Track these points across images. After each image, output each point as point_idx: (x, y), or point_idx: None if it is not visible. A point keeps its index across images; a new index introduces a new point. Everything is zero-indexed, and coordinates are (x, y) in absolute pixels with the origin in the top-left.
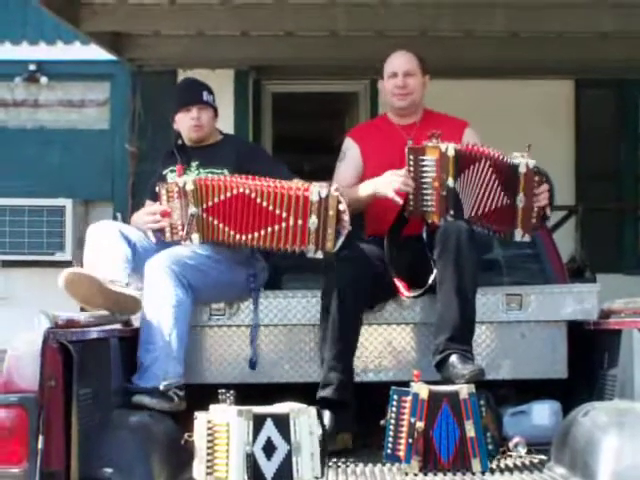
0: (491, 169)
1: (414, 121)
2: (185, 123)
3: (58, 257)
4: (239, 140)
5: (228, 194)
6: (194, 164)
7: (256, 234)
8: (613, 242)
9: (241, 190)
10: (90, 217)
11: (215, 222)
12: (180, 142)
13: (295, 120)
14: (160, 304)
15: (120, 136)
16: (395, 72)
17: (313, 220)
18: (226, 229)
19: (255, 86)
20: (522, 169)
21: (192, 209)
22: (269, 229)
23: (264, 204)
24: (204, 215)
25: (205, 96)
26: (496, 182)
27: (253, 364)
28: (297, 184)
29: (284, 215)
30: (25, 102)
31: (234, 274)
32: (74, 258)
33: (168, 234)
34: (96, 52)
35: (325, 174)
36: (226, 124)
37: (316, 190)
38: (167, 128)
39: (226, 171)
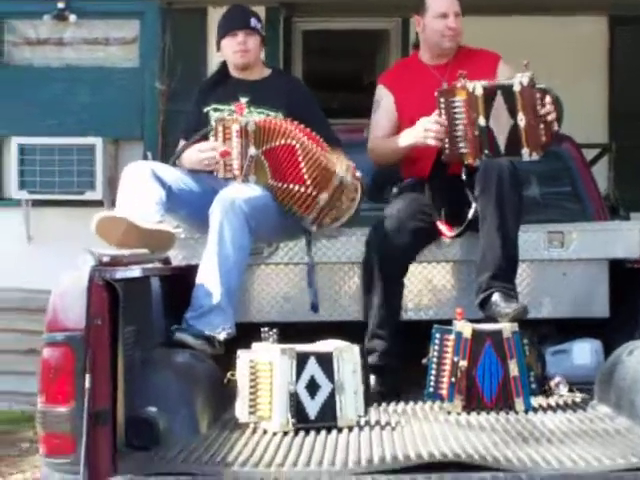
0: (502, 97)
1: (447, 60)
2: (231, 48)
3: (88, 196)
4: (291, 80)
5: (282, 141)
6: (243, 100)
7: (281, 184)
8: None
9: (293, 142)
10: (120, 156)
11: (266, 165)
12: (220, 74)
13: (325, 58)
14: (229, 247)
15: (150, 74)
16: (445, 12)
17: (324, 196)
18: (269, 174)
19: (285, 23)
20: (516, 87)
21: (252, 150)
22: (291, 186)
23: (302, 163)
24: (262, 157)
25: (253, 22)
26: (505, 109)
27: (315, 306)
28: (336, 159)
29: (308, 181)
30: (53, 40)
31: (288, 217)
32: (104, 197)
33: (222, 171)
34: None
35: (354, 112)
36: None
37: (340, 176)
38: (197, 66)
39: (280, 114)
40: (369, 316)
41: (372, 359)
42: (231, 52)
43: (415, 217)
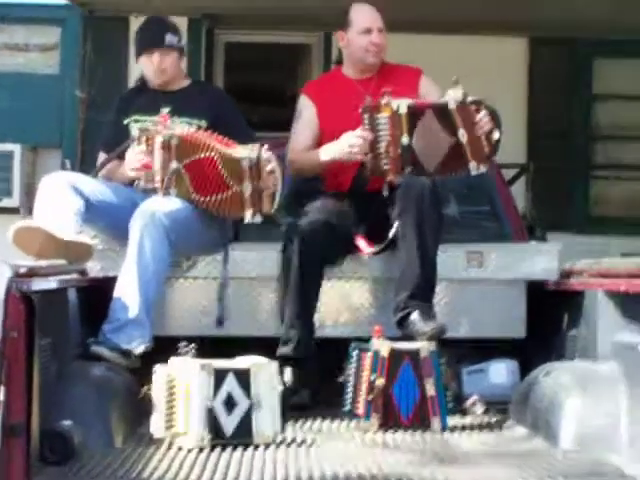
0: (434, 117)
1: (371, 75)
2: (148, 67)
3: (5, 203)
4: (210, 88)
5: (203, 154)
6: (165, 110)
7: (208, 198)
8: (564, 201)
9: (212, 154)
10: (38, 163)
11: (187, 179)
12: (140, 84)
13: (247, 70)
14: (148, 259)
15: (70, 82)
16: (369, 28)
17: (247, 185)
18: (190, 187)
19: (208, 35)
20: (452, 105)
21: (174, 164)
22: (218, 196)
23: (222, 170)
24: (183, 171)
25: (168, 38)
26: (439, 128)
27: (221, 321)
28: (240, 149)
29: (229, 183)
30: None
31: (208, 230)
32: (21, 205)
33: (143, 181)
34: None
35: (275, 126)
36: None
37: (246, 156)
38: (118, 75)
39: (204, 122)
40: (285, 307)
41: (287, 350)
42: (149, 71)
43: (332, 229)
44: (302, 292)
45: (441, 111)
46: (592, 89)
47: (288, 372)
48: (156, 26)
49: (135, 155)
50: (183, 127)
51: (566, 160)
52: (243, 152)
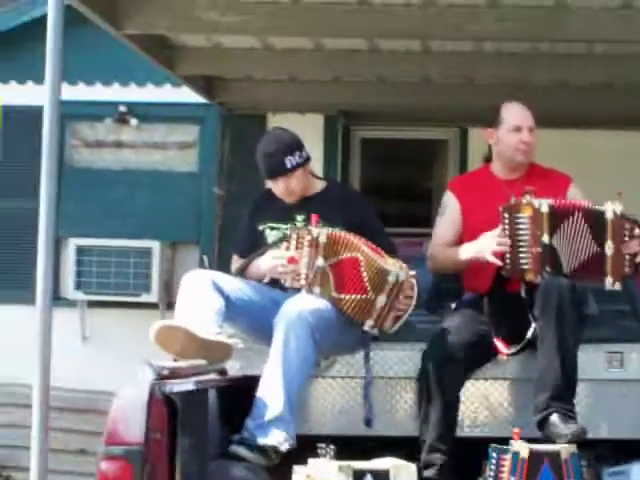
0: (583, 220)
1: (520, 175)
2: (276, 190)
3: (144, 299)
4: (346, 191)
5: (348, 254)
6: (300, 217)
7: (343, 296)
8: None
9: (357, 255)
10: (177, 259)
11: (331, 278)
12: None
13: (383, 166)
14: (293, 357)
15: (208, 179)
16: (519, 126)
17: (382, 298)
18: (333, 287)
19: (344, 131)
20: (609, 215)
21: (320, 261)
22: (353, 296)
23: (364, 273)
24: (328, 269)
25: (289, 163)
26: (588, 232)
27: (369, 421)
28: (391, 261)
29: (368, 287)
30: (114, 143)
31: (351, 330)
32: (160, 300)
33: (289, 280)
34: (186, 94)
35: (410, 221)
36: (315, 168)
37: (395, 272)
38: (255, 172)
39: (338, 229)
40: (426, 430)
41: (429, 473)
42: (277, 192)
43: (473, 333)
44: (442, 415)
45: (595, 217)
46: None
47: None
48: (276, 153)
49: (282, 253)
50: (330, 229)
51: None
52: (393, 266)
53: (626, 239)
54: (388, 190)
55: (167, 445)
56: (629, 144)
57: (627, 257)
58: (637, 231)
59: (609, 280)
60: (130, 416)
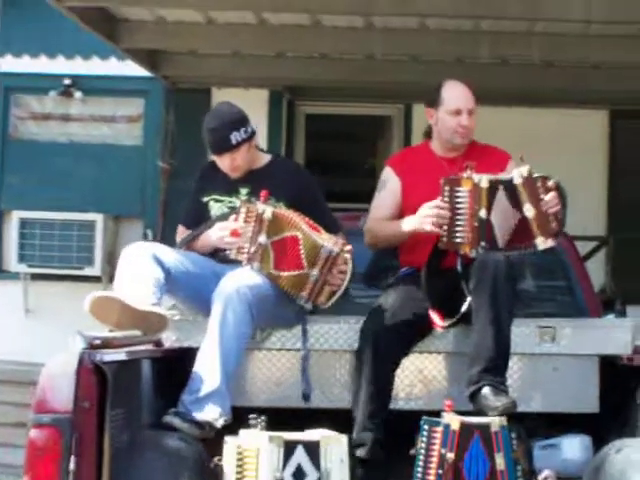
0: (503, 193)
1: (459, 154)
2: (221, 165)
3: (87, 272)
4: (291, 167)
5: (289, 233)
6: (244, 191)
7: (281, 273)
8: None
9: (297, 233)
10: (120, 233)
11: (271, 255)
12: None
13: (327, 141)
14: (231, 332)
15: (153, 152)
16: (460, 109)
17: (315, 272)
18: (272, 264)
19: (289, 106)
20: (517, 180)
21: (262, 238)
22: (290, 273)
23: (302, 251)
24: (269, 246)
25: (234, 138)
26: (509, 203)
27: (307, 396)
28: (325, 237)
29: (304, 263)
30: (58, 115)
31: (288, 305)
32: (103, 273)
33: (234, 252)
34: (131, 68)
35: (354, 197)
36: (260, 143)
37: (328, 246)
38: (200, 146)
39: (281, 204)
40: (358, 407)
41: (360, 452)
42: (222, 167)
43: (409, 309)
44: (375, 394)
45: (508, 187)
46: None
47: (360, 472)
48: (221, 129)
49: (229, 225)
50: (276, 206)
51: None
52: (327, 241)
53: (542, 196)
54: (332, 166)
55: (97, 414)
56: (567, 122)
57: (550, 213)
58: (550, 183)
59: (539, 240)
60: (59, 385)
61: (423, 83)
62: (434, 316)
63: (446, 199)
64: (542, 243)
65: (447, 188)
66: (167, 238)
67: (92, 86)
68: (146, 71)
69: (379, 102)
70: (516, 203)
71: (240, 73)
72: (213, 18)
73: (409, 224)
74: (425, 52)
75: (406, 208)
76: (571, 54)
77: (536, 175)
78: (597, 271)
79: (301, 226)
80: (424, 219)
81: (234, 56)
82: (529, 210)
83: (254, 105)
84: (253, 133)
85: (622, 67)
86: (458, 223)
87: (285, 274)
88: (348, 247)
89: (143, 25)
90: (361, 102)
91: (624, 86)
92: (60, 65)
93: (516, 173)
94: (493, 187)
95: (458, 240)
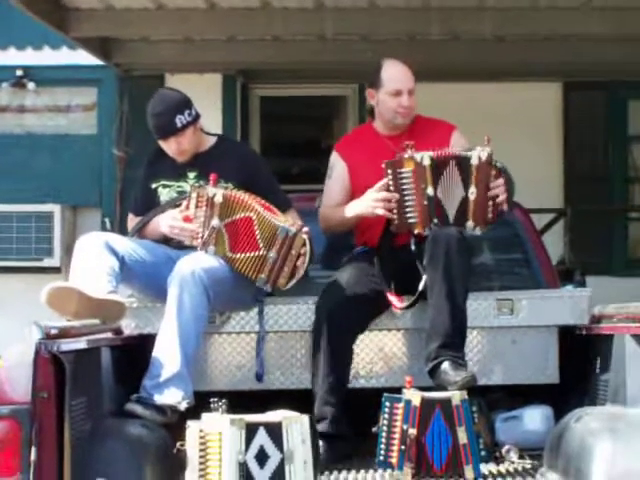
0: (456, 168)
1: (403, 131)
2: (167, 149)
3: (47, 263)
4: (238, 148)
5: (242, 214)
6: (191, 175)
7: (237, 255)
8: (602, 244)
9: (251, 214)
10: (78, 223)
11: (225, 238)
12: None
13: (283, 123)
14: (188, 316)
15: (108, 141)
16: (400, 90)
17: (272, 254)
18: (227, 246)
19: (243, 90)
20: (474, 161)
21: (215, 221)
22: (246, 254)
23: (257, 232)
24: (223, 229)
25: (179, 122)
26: (460, 180)
27: (260, 376)
28: (283, 218)
29: (260, 245)
30: (12, 107)
31: (245, 288)
32: (62, 264)
33: (188, 239)
34: (83, 57)
35: (311, 178)
36: (214, 127)
37: (284, 228)
38: None
39: (231, 185)
40: (317, 383)
41: (322, 427)
42: (169, 151)
43: (364, 286)
44: (334, 369)
45: (462, 163)
46: (627, 131)
47: (323, 447)
48: (165, 111)
49: (179, 212)
50: (226, 187)
51: (603, 203)
52: (284, 223)
53: (489, 185)
54: (288, 147)
55: (56, 404)
56: (520, 95)
57: (490, 203)
58: (501, 180)
59: (470, 224)
60: (16, 376)
61: (375, 62)
62: (392, 298)
63: (390, 182)
64: (471, 228)
65: (390, 171)
66: (125, 227)
67: (45, 76)
68: (98, 59)
69: (333, 82)
70: (464, 182)
71: (192, 58)
72: (163, 4)
73: (357, 208)
74: (376, 31)
75: (355, 190)
76: (522, 27)
77: (495, 163)
78: (556, 243)
79: (254, 207)
80: (373, 203)
81: (186, 41)
82: (472, 193)
83: (208, 90)
84: (198, 116)
85: (574, 39)
86: (407, 204)
87: (241, 256)
88: (306, 229)
89: (93, 13)
90: (315, 83)
91: (576, 58)
92: (11, 56)
93: (475, 154)
94: (440, 163)
95: (410, 220)
